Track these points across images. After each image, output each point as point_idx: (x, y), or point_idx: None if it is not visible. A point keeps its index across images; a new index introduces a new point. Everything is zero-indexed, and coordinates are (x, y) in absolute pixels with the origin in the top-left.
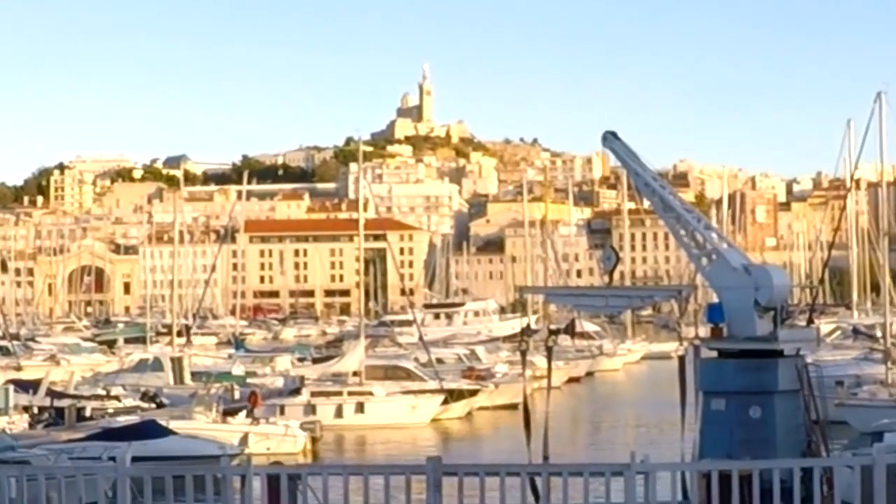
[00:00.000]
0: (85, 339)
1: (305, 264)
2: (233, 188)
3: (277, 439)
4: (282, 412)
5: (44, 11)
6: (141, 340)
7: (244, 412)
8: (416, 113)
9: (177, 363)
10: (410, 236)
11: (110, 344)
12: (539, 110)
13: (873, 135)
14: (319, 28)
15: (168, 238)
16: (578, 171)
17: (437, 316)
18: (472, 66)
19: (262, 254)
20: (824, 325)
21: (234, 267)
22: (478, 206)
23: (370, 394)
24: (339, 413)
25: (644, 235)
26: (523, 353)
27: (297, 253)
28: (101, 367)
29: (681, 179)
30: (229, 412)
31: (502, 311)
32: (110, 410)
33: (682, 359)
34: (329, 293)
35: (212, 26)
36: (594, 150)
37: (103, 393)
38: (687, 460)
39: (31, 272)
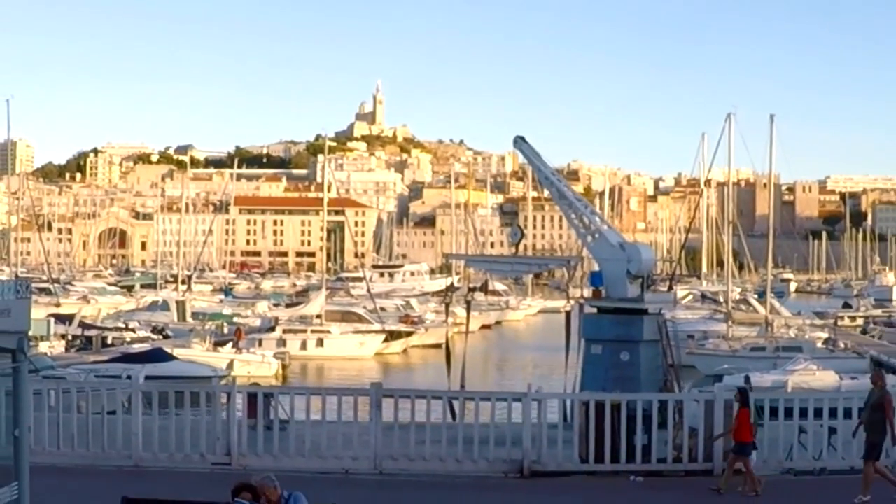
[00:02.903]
0: (110, 285)
1: (282, 231)
2: (227, 171)
3: (256, 365)
4: (259, 344)
5: (86, 34)
6: (153, 286)
7: (231, 344)
8: (370, 117)
9: (180, 305)
10: (363, 213)
11: (129, 288)
12: (465, 117)
13: (723, 145)
14: (298, 50)
15: (177, 208)
16: (494, 166)
17: (381, 274)
18: (414, 82)
19: (248, 223)
20: (680, 291)
21: (227, 232)
22: (416, 190)
23: (328, 332)
24: (303, 346)
25: (544, 217)
26: (447, 305)
27: (275, 223)
28: (121, 306)
29: (573, 175)
30: (219, 343)
31: (432, 272)
32: (128, 339)
33: (569, 313)
34: (299, 254)
35: (214, 45)
36: (507, 150)
37: (123, 326)
38: (570, 392)
39: (70, 232)
